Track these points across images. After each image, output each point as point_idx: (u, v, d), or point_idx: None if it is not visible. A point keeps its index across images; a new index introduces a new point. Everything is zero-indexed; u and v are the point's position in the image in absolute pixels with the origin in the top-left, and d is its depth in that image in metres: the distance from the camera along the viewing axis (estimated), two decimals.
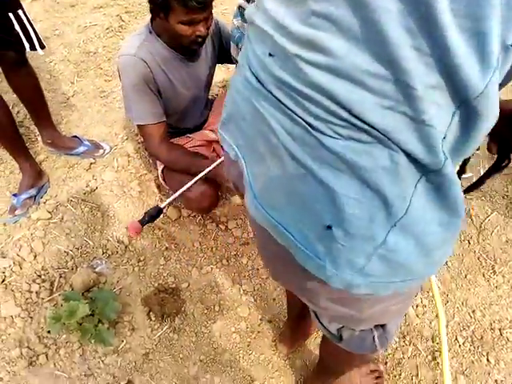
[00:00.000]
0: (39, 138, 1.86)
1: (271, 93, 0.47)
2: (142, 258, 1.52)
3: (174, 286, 1.47)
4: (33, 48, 1.49)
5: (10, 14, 1.38)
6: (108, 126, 2.01)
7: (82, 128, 2.00)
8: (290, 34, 0.43)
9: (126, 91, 1.34)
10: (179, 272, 1.51)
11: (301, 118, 0.44)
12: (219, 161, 1.26)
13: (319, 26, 0.40)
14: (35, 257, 1.47)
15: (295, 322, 1.25)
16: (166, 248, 1.56)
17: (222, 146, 0.64)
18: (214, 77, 1.64)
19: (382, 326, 0.70)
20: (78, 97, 2.16)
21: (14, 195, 1.61)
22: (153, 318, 1.38)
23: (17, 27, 1.41)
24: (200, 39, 1.25)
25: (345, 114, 0.40)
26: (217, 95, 2.09)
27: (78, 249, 1.52)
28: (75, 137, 1.87)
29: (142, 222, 1.19)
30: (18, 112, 1.99)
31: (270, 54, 0.47)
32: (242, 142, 0.57)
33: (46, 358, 1.27)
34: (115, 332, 1.33)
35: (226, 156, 0.64)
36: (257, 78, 0.50)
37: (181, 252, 1.56)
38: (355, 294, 0.49)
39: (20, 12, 1.41)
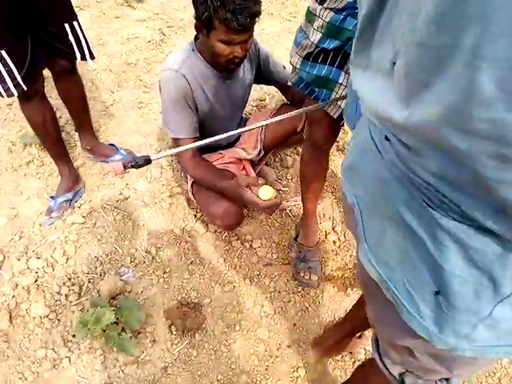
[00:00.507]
0: (78, 144, 1.93)
1: (389, 167, 0.49)
2: (167, 270, 1.55)
3: (196, 300, 1.49)
4: (83, 58, 1.55)
5: (66, 25, 1.44)
6: (143, 136, 2.07)
7: (119, 137, 2.06)
8: (397, 139, 0.45)
9: (166, 105, 1.38)
10: (202, 287, 1.53)
11: (418, 195, 0.46)
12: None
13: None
14: (67, 260, 1.52)
15: (343, 335, 1.26)
16: (192, 262, 1.59)
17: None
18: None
19: (447, 378, 0.70)
20: (117, 106, 2.23)
21: (52, 197, 1.67)
22: (174, 332, 1.40)
23: (71, 37, 1.48)
24: (237, 60, 1.29)
25: (457, 209, 0.42)
26: (250, 114, 2.13)
27: (107, 255, 1.56)
28: (112, 145, 1.93)
29: (125, 166, 1.17)
30: (60, 117, 2.07)
31: (386, 138, 0.48)
32: (362, 195, 0.58)
33: (69, 362, 1.30)
34: (137, 342, 1.35)
35: (344, 200, 0.65)
36: (376, 146, 0.51)
37: (205, 267, 1.58)
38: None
39: (75, 23, 1.47)
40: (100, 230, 1.62)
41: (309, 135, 1.32)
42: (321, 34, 0.95)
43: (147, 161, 1.19)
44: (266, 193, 1.35)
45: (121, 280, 1.48)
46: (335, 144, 2.00)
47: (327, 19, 0.92)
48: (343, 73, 0.97)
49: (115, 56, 2.57)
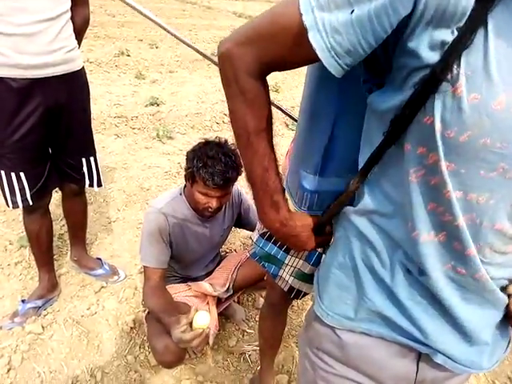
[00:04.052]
0: (69, 253, 2.07)
1: None
2: None
3: None
4: (91, 185, 1.79)
5: (83, 159, 1.72)
6: (132, 255, 2.19)
7: (109, 251, 2.20)
8: None
9: (143, 235, 1.53)
10: None
11: None
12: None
13: None
14: (8, 370, 1.49)
15: None
16: None
17: None
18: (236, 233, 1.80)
19: None
20: (119, 223, 2.44)
21: (22, 301, 1.73)
22: None
23: (84, 169, 1.73)
24: (211, 209, 1.46)
25: None
26: (231, 251, 2.24)
27: (51, 372, 1.53)
28: (99, 259, 2.05)
29: None
30: (63, 225, 2.27)
31: None
32: None
33: None
34: None
35: None
36: None
37: None
38: None
39: (91, 158, 1.74)
40: (53, 344, 1.62)
41: (266, 294, 1.42)
42: None
43: None
44: (200, 319, 1.23)
45: None
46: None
47: None
48: (289, 256, 1.09)
49: (133, 179, 2.90)
